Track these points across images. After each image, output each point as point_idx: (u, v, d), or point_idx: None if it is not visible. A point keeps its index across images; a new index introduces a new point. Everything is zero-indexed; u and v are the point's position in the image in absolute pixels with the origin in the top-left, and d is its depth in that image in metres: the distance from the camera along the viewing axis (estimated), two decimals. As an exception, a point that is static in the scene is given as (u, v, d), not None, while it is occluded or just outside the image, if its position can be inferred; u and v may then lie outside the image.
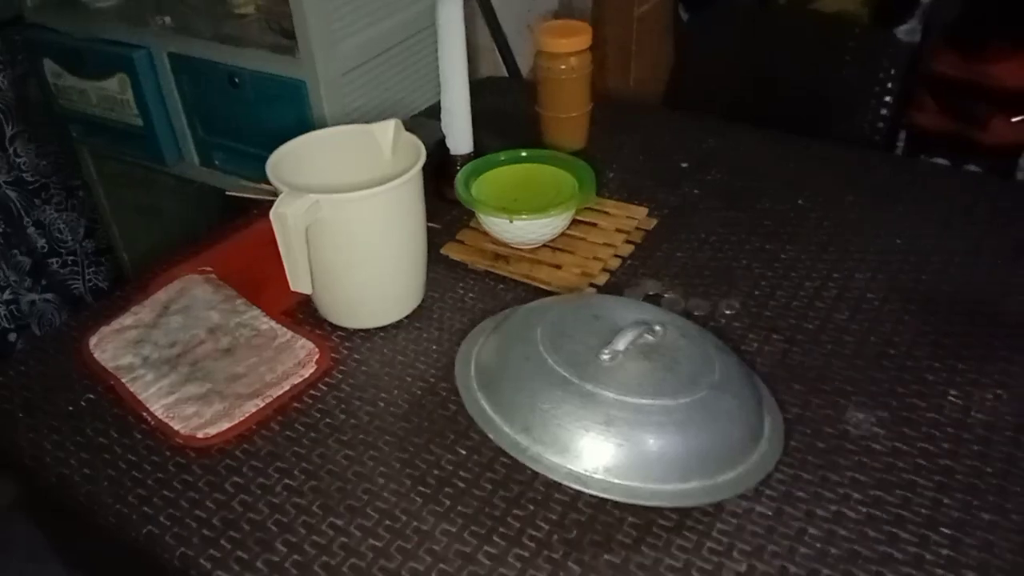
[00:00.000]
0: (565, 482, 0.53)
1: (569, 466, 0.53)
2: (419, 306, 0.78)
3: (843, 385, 0.68)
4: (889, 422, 0.65)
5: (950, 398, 0.67)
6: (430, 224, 0.78)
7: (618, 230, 0.85)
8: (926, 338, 0.72)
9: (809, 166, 0.98)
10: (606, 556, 0.56)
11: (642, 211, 0.88)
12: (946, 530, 0.57)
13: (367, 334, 0.76)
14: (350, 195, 0.66)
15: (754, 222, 0.88)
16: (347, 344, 0.75)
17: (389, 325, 0.76)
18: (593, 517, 0.58)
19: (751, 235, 0.86)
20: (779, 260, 0.82)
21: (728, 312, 0.76)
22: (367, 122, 0.76)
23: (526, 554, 0.56)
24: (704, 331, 0.64)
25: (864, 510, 0.58)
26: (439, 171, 0.92)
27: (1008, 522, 0.57)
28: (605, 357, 0.57)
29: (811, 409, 0.66)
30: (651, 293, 0.78)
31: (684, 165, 0.99)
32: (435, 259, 0.83)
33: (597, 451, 0.53)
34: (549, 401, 0.54)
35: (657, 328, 0.59)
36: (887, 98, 1.09)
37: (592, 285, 0.78)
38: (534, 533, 0.57)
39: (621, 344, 0.57)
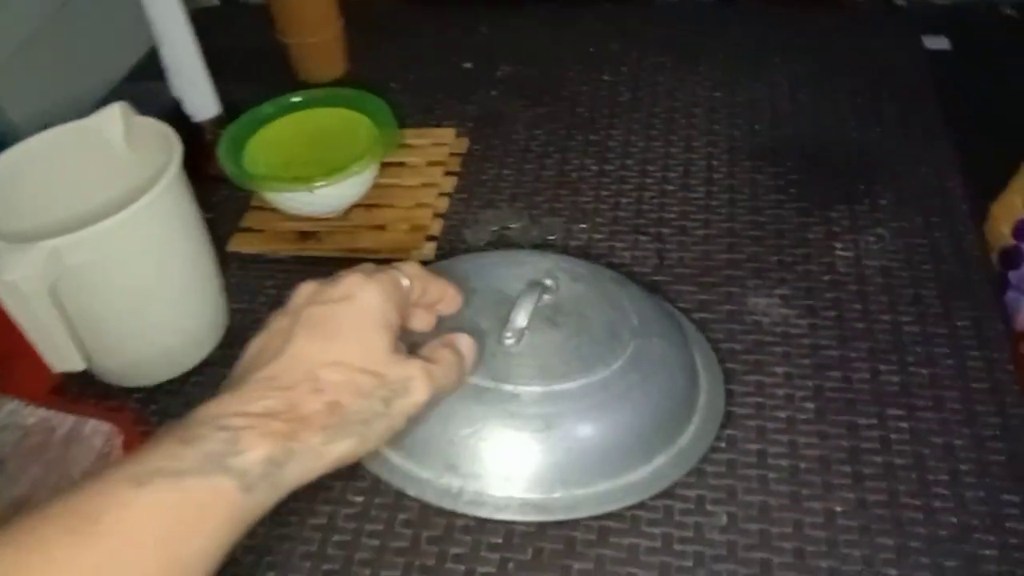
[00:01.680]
0: (523, 517, 0.42)
1: (521, 495, 0.42)
2: (228, 327, 0.62)
3: (732, 272, 0.62)
4: (793, 299, 0.60)
5: (838, 252, 0.63)
6: (201, 216, 0.61)
7: (431, 163, 0.72)
8: (789, 194, 0.68)
9: (594, 34, 0.89)
10: (578, 566, 0.47)
11: (448, 133, 0.75)
12: (897, 398, 0.53)
13: (173, 386, 0.59)
14: (97, 228, 0.48)
15: (569, 113, 0.78)
16: (153, 407, 0.58)
17: (199, 365, 0.60)
18: (542, 526, 0.48)
19: (572, 129, 0.76)
20: (610, 150, 0.74)
21: (584, 226, 0.67)
22: (80, 111, 0.56)
23: (487, 600, 0.46)
24: (592, 265, 0.55)
25: (812, 406, 0.53)
26: (187, 145, 0.73)
27: (944, 369, 0.54)
28: (509, 341, 0.45)
29: (712, 309, 0.60)
30: (495, 228, 0.67)
31: (468, 65, 0.86)
32: (224, 259, 0.66)
33: (547, 467, 0.43)
34: (469, 423, 0.43)
35: (549, 283, 0.49)
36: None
37: (429, 238, 0.66)
38: (485, 570, 0.47)
39: (521, 319, 0.46)
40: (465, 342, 0.43)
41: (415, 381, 0.37)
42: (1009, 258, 0.79)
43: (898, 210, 0.65)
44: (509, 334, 0.46)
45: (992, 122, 1.08)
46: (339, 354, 0.36)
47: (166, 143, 0.54)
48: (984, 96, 1.27)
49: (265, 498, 0.33)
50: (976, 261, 0.61)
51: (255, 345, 0.38)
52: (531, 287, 0.47)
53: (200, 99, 0.72)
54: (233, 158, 0.66)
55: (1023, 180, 0.80)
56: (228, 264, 0.66)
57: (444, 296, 0.45)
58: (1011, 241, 0.80)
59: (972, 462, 0.49)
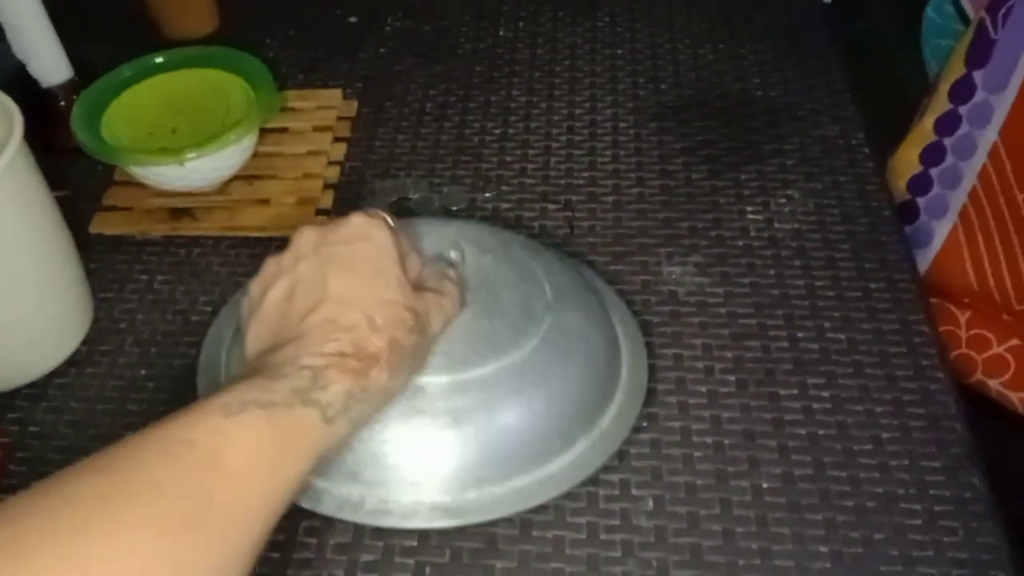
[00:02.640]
0: (433, 524, 0.38)
1: (431, 499, 0.38)
2: (94, 320, 0.55)
3: (644, 240, 0.59)
4: (707, 266, 0.58)
5: (749, 216, 0.61)
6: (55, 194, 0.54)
7: (317, 128, 0.66)
8: (697, 156, 0.65)
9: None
10: (500, 565, 0.43)
11: (335, 95, 0.69)
12: (817, 366, 0.52)
13: (34, 390, 0.52)
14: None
15: (466, 72, 0.73)
16: (11, 415, 0.51)
17: (62, 365, 0.53)
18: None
19: (471, 89, 0.72)
20: (512, 112, 0.69)
21: (489, 195, 0.63)
22: None
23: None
24: (500, 231, 0.51)
25: (733, 378, 0.51)
26: (36, 114, 0.64)
27: (861, 333, 0.53)
28: None
29: (626, 280, 0.57)
30: (393, 200, 0.62)
31: (352, 20, 0.79)
32: (86, 243, 0.59)
33: (458, 466, 0.39)
34: (368, 424, 0.38)
35: (454, 255, 0.45)
36: None
37: (320, 212, 0.60)
38: (405, 581, 0.43)
39: None
40: (454, 274, 0.43)
41: (432, 314, 0.39)
42: (918, 185, 0.80)
43: (806, 170, 0.64)
44: None
45: (877, 75, 1.10)
46: (382, 291, 0.37)
47: (4, 114, 0.46)
48: (867, 49, 1.29)
49: (341, 430, 0.35)
50: (885, 220, 0.60)
51: (276, 294, 0.38)
52: (434, 262, 0.43)
53: (47, 61, 0.64)
54: (89, 128, 0.58)
55: (918, 134, 0.80)
56: (90, 248, 0.59)
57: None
58: (907, 195, 0.80)
59: (894, 429, 0.49)
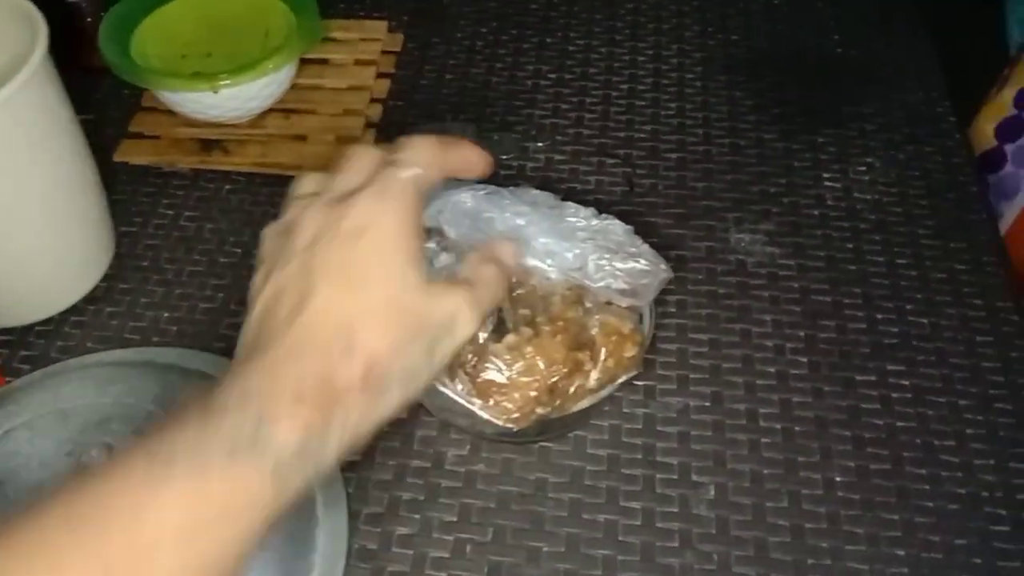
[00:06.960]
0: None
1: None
2: (115, 255, 0.51)
3: (710, 203, 0.55)
4: (778, 235, 0.53)
5: (826, 184, 0.56)
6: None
7: (359, 62, 0.61)
8: (769, 114, 0.60)
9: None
10: None
11: (380, 27, 0.64)
12: (896, 353, 0.47)
13: (49, 327, 0.48)
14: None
15: (520, 11, 0.68)
16: (24, 352, 0.47)
17: (80, 301, 0.49)
18: None
19: (523, 30, 0.66)
20: (570, 56, 0.64)
21: (542, 144, 0.58)
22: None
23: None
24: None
25: (805, 360, 0.47)
26: (60, 30, 0.59)
27: (945, 319, 0.49)
28: None
29: (689, 246, 0.52)
30: (440, 143, 0.57)
31: (400, -52, 0.74)
32: (109, 172, 0.54)
33: None
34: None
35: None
36: None
37: (360, 154, 0.56)
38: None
39: None
40: (507, 250, 0.36)
41: (461, 315, 0.31)
42: (990, 161, 0.74)
43: (888, 137, 0.59)
44: None
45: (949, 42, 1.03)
46: (370, 301, 0.30)
47: (27, 24, 0.42)
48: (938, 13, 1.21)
49: (297, 483, 0.28)
50: (973, 197, 0.55)
51: (265, 296, 0.31)
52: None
53: (74, -30, 0.59)
54: (118, 47, 0.53)
55: (994, 108, 0.75)
56: (114, 177, 0.55)
57: (467, 165, 0.35)
58: (993, 142, 0.75)
59: (979, 425, 0.44)
